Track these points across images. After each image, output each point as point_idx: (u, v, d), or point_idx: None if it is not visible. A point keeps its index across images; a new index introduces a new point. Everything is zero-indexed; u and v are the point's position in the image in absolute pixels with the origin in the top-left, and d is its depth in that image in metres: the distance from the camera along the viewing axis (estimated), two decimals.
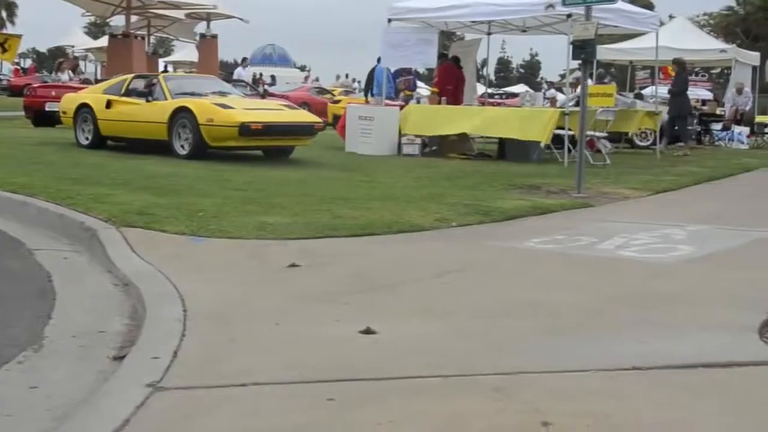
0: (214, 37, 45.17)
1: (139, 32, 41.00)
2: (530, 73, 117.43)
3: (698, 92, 36.74)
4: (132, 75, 18.37)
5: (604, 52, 29.84)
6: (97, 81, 30.97)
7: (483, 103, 24.56)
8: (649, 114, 20.64)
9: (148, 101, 16.05)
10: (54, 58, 38.60)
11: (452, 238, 8.50)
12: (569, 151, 16.57)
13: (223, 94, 16.75)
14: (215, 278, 6.31)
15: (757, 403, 3.97)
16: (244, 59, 33.25)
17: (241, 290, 5.96)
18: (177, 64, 58.09)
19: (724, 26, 71.41)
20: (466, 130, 18.34)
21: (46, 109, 24.28)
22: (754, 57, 33.07)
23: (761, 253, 8.32)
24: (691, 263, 7.44)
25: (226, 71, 49.81)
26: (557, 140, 17.61)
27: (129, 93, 16.84)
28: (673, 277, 6.88)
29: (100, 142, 16.97)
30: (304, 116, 16.68)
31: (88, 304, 5.98)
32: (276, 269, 6.66)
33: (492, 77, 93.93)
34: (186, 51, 58.46)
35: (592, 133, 17.11)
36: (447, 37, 32.03)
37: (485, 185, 12.66)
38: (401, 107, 20.27)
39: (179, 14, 43.37)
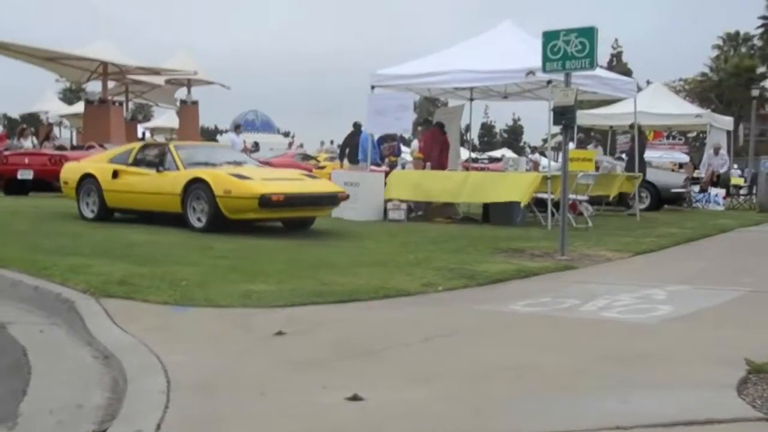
0: (195, 103, 45.29)
1: (116, 98, 40.94)
2: (513, 137, 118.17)
3: (675, 155, 37.26)
4: (140, 144, 17.68)
5: (585, 117, 30.27)
6: (72, 147, 30.92)
7: (467, 168, 24.70)
8: (629, 178, 20.78)
9: (158, 171, 15.25)
10: (27, 125, 38.66)
11: (438, 302, 8.49)
12: (552, 214, 16.65)
13: (237, 163, 16.04)
14: (200, 348, 6.26)
15: None
16: (238, 126, 33.12)
17: (226, 360, 5.91)
18: (157, 130, 58.14)
19: (698, 91, 72.72)
20: (451, 197, 18.44)
21: (18, 176, 24.24)
22: (728, 122, 33.70)
23: (738, 311, 8.40)
24: (671, 323, 7.51)
25: (207, 137, 49.96)
26: (540, 204, 17.70)
27: (137, 162, 16.05)
28: (654, 336, 6.92)
29: (106, 214, 16.18)
30: (326, 186, 15.88)
31: (66, 378, 5.81)
32: (262, 338, 6.61)
33: (476, 141, 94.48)
34: (166, 117, 58.55)
35: (574, 196, 17.21)
36: (431, 103, 32.28)
37: (471, 249, 12.69)
38: (386, 173, 20.33)
39: (159, 80, 43.44)
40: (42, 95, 61.65)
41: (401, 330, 7.04)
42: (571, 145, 18.32)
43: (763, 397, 5.03)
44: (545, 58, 12.47)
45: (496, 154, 69.10)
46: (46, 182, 24.02)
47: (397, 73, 19.88)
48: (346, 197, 15.69)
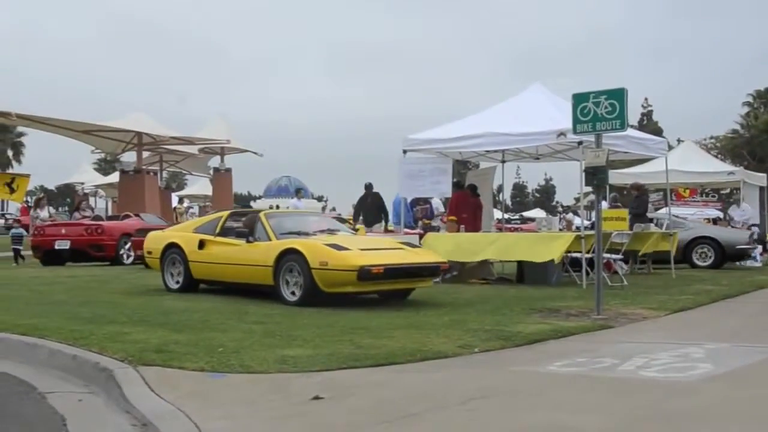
0: (228, 170, 45.73)
1: (151, 167, 41.37)
2: (545, 197, 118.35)
3: (708, 212, 37.19)
4: (227, 212, 16.88)
5: (617, 177, 30.29)
6: (108, 217, 31.22)
7: (500, 229, 24.69)
8: (664, 236, 20.69)
9: (249, 242, 14.56)
10: (63, 196, 39.11)
11: (475, 364, 8.46)
12: (587, 273, 16.59)
13: (332, 231, 15.29)
14: (237, 414, 6.26)
15: None
16: (299, 190, 32.97)
17: (263, 426, 5.91)
18: (191, 198, 58.61)
19: (730, 148, 72.41)
20: (486, 256, 18.38)
21: (56, 247, 24.46)
22: (761, 178, 33.62)
23: None
24: (711, 381, 7.43)
25: (241, 203, 50.25)
26: (575, 263, 17.65)
27: (225, 232, 15.49)
28: (695, 396, 6.85)
29: (191, 285, 15.58)
30: (426, 256, 14.57)
31: None
32: (299, 402, 6.61)
33: (508, 202, 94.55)
34: (200, 185, 59.10)
35: (608, 255, 17.16)
36: (462, 165, 32.30)
37: (506, 309, 12.64)
38: (420, 236, 20.34)
39: (192, 149, 43.90)
40: (78, 167, 62.43)
41: (438, 392, 7.01)
42: (604, 204, 18.30)
43: None
44: (575, 120, 12.51)
45: (531, 214, 69.18)
46: (83, 252, 24.24)
47: (429, 137, 19.97)
48: (448, 268, 15.10)
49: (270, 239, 14.33)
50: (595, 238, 12.83)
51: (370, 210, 24.39)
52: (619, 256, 18.21)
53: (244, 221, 15.47)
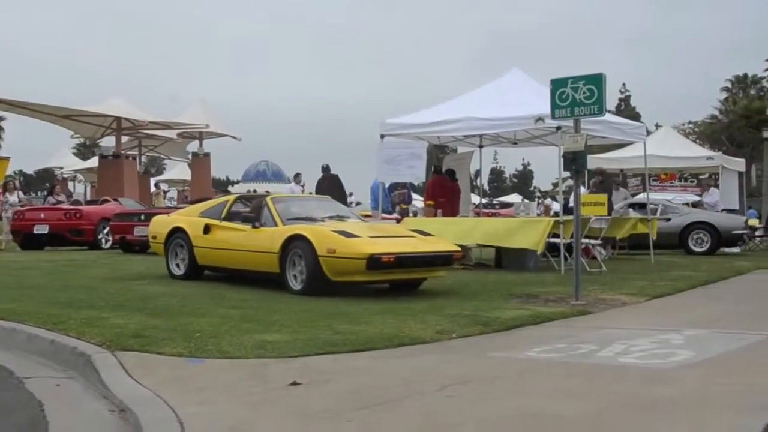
0: (207, 155, 45.66)
1: (130, 152, 41.31)
2: (523, 182, 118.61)
3: (687, 197, 37.33)
4: (234, 196, 16.51)
5: (595, 162, 30.35)
6: (87, 202, 31.13)
7: (478, 214, 24.72)
8: (643, 221, 20.74)
9: (254, 227, 14.00)
10: (42, 181, 38.89)
11: (454, 350, 8.46)
12: (565, 258, 16.62)
13: (341, 218, 14.61)
14: (215, 400, 6.23)
15: None
16: (297, 174, 32.21)
17: (242, 411, 5.88)
18: (169, 183, 58.47)
19: (709, 134, 72.78)
20: (465, 242, 18.37)
21: (34, 231, 24.36)
22: (739, 163, 33.84)
23: (759, 356, 8.34)
24: (691, 368, 7.44)
25: (220, 188, 50.18)
26: (553, 248, 17.69)
27: (231, 217, 14.96)
28: (674, 382, 6.85)
29: (195, 272, 15.10)
30: (439, 244, 13.72)
31: None
32: (277, 388, 6.59)
33: (486, 187, 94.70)
34: (178, 169, 58.99)
35: (587, 240, 17.19)
36: (440, 149, 32.29)
37: (484, 295, 12.66)
38: (398, 221, 20.33)
39: (171, 134, 43.85)
40: (57, 151, 62.22)
41: (417, 378, 7.00)
42: (582, 190, 18.35)
43: None
44: (554, 106, 12.51)
45: (509, 199, 69.31)
46: (61, 236, 24.16)
47: (407, 122, 19.96)
48: (462, 257, 14.37)
49: (276, 225, 13.79)
50: (574, 224, 12.83)
51: (327, 193, 23.00)
52: (598, 242, 18.25)
53: (251, 206, 15.07)
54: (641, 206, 24.96)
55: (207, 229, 14.91)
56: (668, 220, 24.44)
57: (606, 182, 23.55)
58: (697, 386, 6.73)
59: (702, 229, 24.40)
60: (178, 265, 15.38)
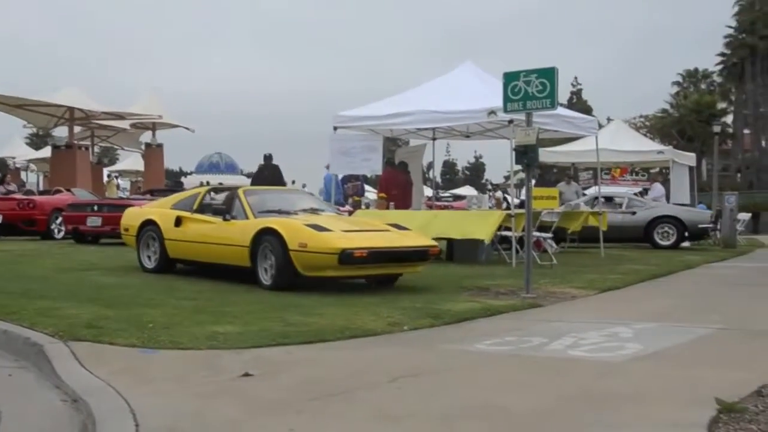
0: (160, 146, 45.37)
1: (82, 143, 40.96)
2: (475, 174, 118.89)
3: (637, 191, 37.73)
4: (206, 188, 16.08)
5: (547, 155, 30.62)
6: (39, 192, 30.87)
7: (430, 207, 24.80)
8: (594, 214, 20.92)
9: (225, 220, 13.61)
10: None
11: (405, 342, 8.52)
12: (517, 252, 16.74)
13: (314, 211, 14.21)
14: (167, 391, 6.26)
15: None
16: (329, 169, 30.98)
17: (194, 402, 5.91)
18: (123, 173, 58.04)
19: (659, 128, 73.41)
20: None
21: None
22: (690, 158, 34.13)
23: (707, 349, 8.47)
24: (639, 361, 7.55)
25: (173, 179, 49.91)
26: (504, 241, 17.80)
27: (203, 209, 14.54)
28: (622, 376, 6.96)
29: (167, 265, 14.71)
30: (415, 239, 13.33)
31: (35, 422, 5.82)
32: (229, 379, 6.62)
33: (438, 180, 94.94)
34: (131, 160, 58.50)
35: (538, 234, 17.32)
36: (392, 142, 32.28)
37: (436, 288, 12.75)
38: (350, 213, 20.36)
39: (124, 124, 43.53)
40: (9, 141, 61.49)
41: (368, 370, 7.06)
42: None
43: None
44: (506, 99, 12.60)
45: (461, 191, 69.47)
46: (14, 226, 23.94)
47: (360, 115, 20.02)
48: (438, 252, 13.82)
49: (248, 218, 13.42)
50: (525, 217, 12.94)
51: (267, 184, 22.17)
52: (549, 235, 18.40)
53: (222, 198, 14.68)
54: (607, 199, 25.21)
55: (178, 221, 14.56)
56: (634, 213, 24.65)
57: (542, 177, 23.62)
58: (645, 379, 6.83)
59: (668, 222, 24.60)
60: (149, 258, 15.00)
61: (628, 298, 12.84)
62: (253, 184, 23.49)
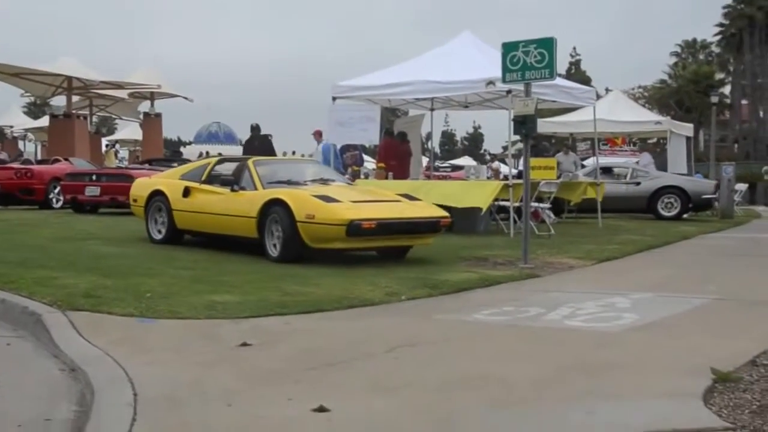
0: (158, 115, 45.27)
1: (81, 112, 40.85)
2: (474, 145, 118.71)
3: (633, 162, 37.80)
4: (216, 158, 15.79)
5: (545, 125, 30.51)
6: (37, 161, 30.82)
7: (428, 177, 24.80)
8: (592, 185, 20.90)
9: (233, 190, 13.31)
10: None
11: (402, 312, 8.55)
12: (514, 222, 16.75)
13: (325, 182, 13.91)
14: (166, 360, 6.28)
15: None
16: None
17: (192, 372, 5.92)
18: (121, 143, 57.94)
19: (658, 98, 73.34)
20: None
21: None
22: (687, 128, 34.03)
23: (703, 319, 8.50)
24: (636, 331, 7.59)
25: (171, 149, 49.83)
26: (502, 212, 17.80)
27: (211, 179, 14.16)
28: (619, 346, 6.99)
29: (175, 236, 14.41)
30: (426, 210, 13.10)
31: (33, 391, 5.83)
32: (227, 349, 6.64)
33: (437, 150, 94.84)
34: (130, 129, 58.43)
35: (536, 204, 17.32)
36: (391, 112, 32.21)
37: (434, 258, 12.75)
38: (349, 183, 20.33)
39: (122, 94, 43.44)
40: (7, 110, 61.31)
41: (366, 340, 7.09)
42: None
43: (729, 407, 5.09)
44: (505, 69, 12.58)
45: (459, 162, 69.46)
46: (12, 195, 23.90)
47: (358, 85, 19.97)
48: (450, 223, 13.34)
49: (256, 188, 13.09)
50: (523, 187, 12.94)
51: (257, 155, 22.20)
52: (547, 205, 18.40)
53: (231, 168, 14.24)
54: (611, 170, 25.20)
55: (186, 192, 14.23)
56: (638, 184, 24.59)
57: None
58: (641, 349, 6.87)
59: (672, 193, 24.51)
60: (159, 230, 14.69)
61: (625, 268, 12.86)
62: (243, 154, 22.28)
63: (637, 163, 30.59)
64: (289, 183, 13.34)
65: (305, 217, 11.90)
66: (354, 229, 11.65)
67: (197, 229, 14.28)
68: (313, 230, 11.90)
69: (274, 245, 12.36)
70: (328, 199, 12.17)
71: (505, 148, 46.40)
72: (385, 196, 13.54)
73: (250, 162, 13.85)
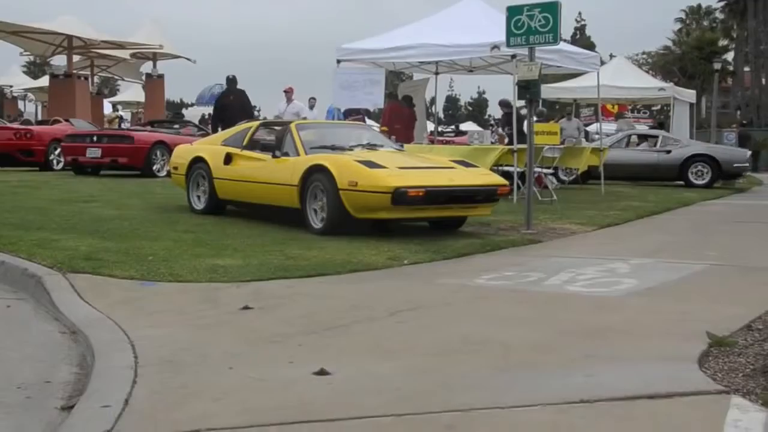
0: (161, 77, 45.14)
1: (82, 72, 40.66)
2: (478, 110, 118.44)
3: (639, 129, 37.75)
4: (258, 122, 14.66)
5: (549, 91, 30.50)
6: (37, 122, 30.72)
7: (432, 141, 24.76)
8: (595, 151, 20.87)
9: (275, 157, 12.31)
10: None
11: (404, 276, 8.58)
12: (518, 187, 16.73)
13: (373, 146, 12.88)
14: (167, 323, 6.29)
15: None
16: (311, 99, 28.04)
17: (193, 335, 5.94)
18: (123, 105, 57.83)
19: (661, 65, 73.26)
20: None
21: None
22: (690, 94, 34.04)
23: (701, 285, 8.55)
24: (635, 296, 7.62)
25: (173, 111, 49.77)
26: (505, 177, 17.78)
27: (253, 145, 13.22)
28: (618, 310, 7.02)
29: (216, 206, 13.47)
30: (481, 177, 11.99)
31: (33, 353, 5.85)
32: (229, 312, 6.65)
33: (441, 115, 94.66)
34: (132, 91, 58.27)
35: (539, 169, 17.30)
36: (396, 76, 32.09)
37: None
38: None
39: (124, 54, 43.27)
40: (7, 69, 61.07)
41: (367, 304, 7.10)
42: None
43: (724, 370, 5.13)
44: (509, 33, 12.53)
45: (463, 127, 69.33)
46: (11, 157, 23.85)
47: (363, 48, 19.90)
48: (508, 191, 12.57)
49: (299, 154, 12.14)
50: (527, 153, 12.92)
51: (232, 113, 19.05)
52: (550, 171, 18.38)
53: (274, 133, 13.30)
54: (641, 138, 25.15)
55: (228, 158, 13.28)
56: (668, 152, 24.43)
57: (509, 115, 23.40)
58: (639, 314, 6.91)
59: (703, 161, 24.31)
60: (198, 198, 13.80)
61: (626, 234, 12.88)
62: (215, 115, 20.63)
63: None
64: (334, 148, 12.43)
65: (348, 184, 10.97)
66: (399, 197, 10.68)
67: (238, 198, 13.37)
68: (356, 199, 10.99)
69: (317, 216, 11.52)
70: (372, 164, 11.25)
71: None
72: (437, 163, 12.59)
73: (292, 126, 12.93)
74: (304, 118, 21.55)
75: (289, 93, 23.56)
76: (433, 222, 12.25)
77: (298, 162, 11.88)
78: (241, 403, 4.43)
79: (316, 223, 11.45)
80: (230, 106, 19.25)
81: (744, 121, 49.63)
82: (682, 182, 24.20)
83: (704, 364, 5.26)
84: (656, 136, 25.59)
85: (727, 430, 4.07)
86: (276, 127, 13.58)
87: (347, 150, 12.37)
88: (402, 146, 15.73)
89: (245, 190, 12.93)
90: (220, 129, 18.20)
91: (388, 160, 11.63)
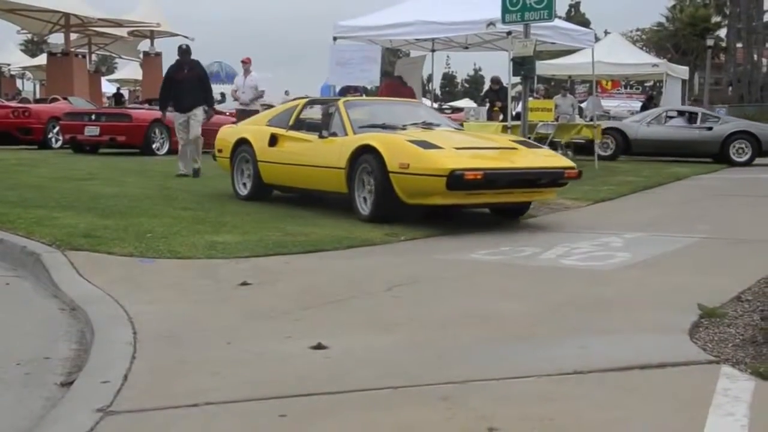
0: (158, 54, 45.05)
1: (79, 50, 40.55)
2: (474, 87, 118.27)
3: (632, 104, 37.84)
4: (305, 100, 13.38)
5: (544, 67, 30.57)
6: (35, 100, 30.67)
7: None
8: (588, 126, 20.92)
9: (321, 137, 11.46)
10: None
11: (401, 252, 8.65)
12: None
13: (428, 125, 11.87)
14: (165, 299, 6.33)
15: (687, 401, 4.17)
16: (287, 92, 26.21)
17: (191, 310, 5.99)
18: (121, 82, 57.72)
19: (655, 41, 73.31)
20: None
21: None
22: (683, 71, 34.16)
23: (692, 258, 8.64)
24: (628, 270, 7.71)
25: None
26: None
27: (299, 125, 12.27)
28: (611, 283, 7.11)
29: (262, 192, 12.61)
30: (547, 159, 10.98)
31: (32, 330, 5.86)
32: (227, 288, 6.70)
33: (438, 92, 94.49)
34: (129, 69, 58.20)
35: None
36: (392, 53, 32.07)
37: None
38: None
39: (122, 32, 43.18)
40: (4, 47, 60.87)
41: (365, 279, 7.16)
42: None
43: (714, 341, 5.21)
44: (505, 10, 12.59)
45: (460, 104, 69.30)
46: (9, 135, 23.84)
47: (360, 25, 19.89)
48: (576, 175, 10.84)
49: (347, 134, 11.22)
50: (521, 129, 12.96)
51: (187, 87, 16.48)
52: (545, 147, 18.39)
53: (322, 111, 12.27)
54: (681, 114, 25.04)
55: (273, 140, 12.32)
56: (710, 129, 24.24)
57: (501, 91, 23.42)
58: (632, 287, 7.01)
59: (743, 138, 23.94)
60: (244, 183, 12.91)
61: (620, 208, 13.00)
62: (163, 89, 17.13)
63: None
64: (385, 127, 11.46)
65: (399, 166, 10.04)
66: (455, 180, 9.64)
67: (284, 183, 12.46)
68: (407, 182, 10.08)
69: (365, 201, 10.62)
70: (425, 144, 10.26)
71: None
72: (498, 143, 11.57)
73: (340, 103, 11.97)
74: (262, 92, 21.67)
75: (246, 64, 22.09)
76: (493, 209, 11.49)
77: (346, 142, 11.01)
78: (239, 377, 4.48)
79: (364, 209, 10.61)
80: (184, 80, 16.63)
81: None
82: (709, 159, 23.96)
83: (695, 335, 5.34)
84: (696, 113, 25.40)
85: (717, 399, 4.13)
86: (323, 105, 12.55)
87: (400, 129, 11.44)
88: (461, 125, 14.90)
89: (291, 174, 12.07)
90: (170, 110, 16.67)
91: (445, 140, 10.68)
